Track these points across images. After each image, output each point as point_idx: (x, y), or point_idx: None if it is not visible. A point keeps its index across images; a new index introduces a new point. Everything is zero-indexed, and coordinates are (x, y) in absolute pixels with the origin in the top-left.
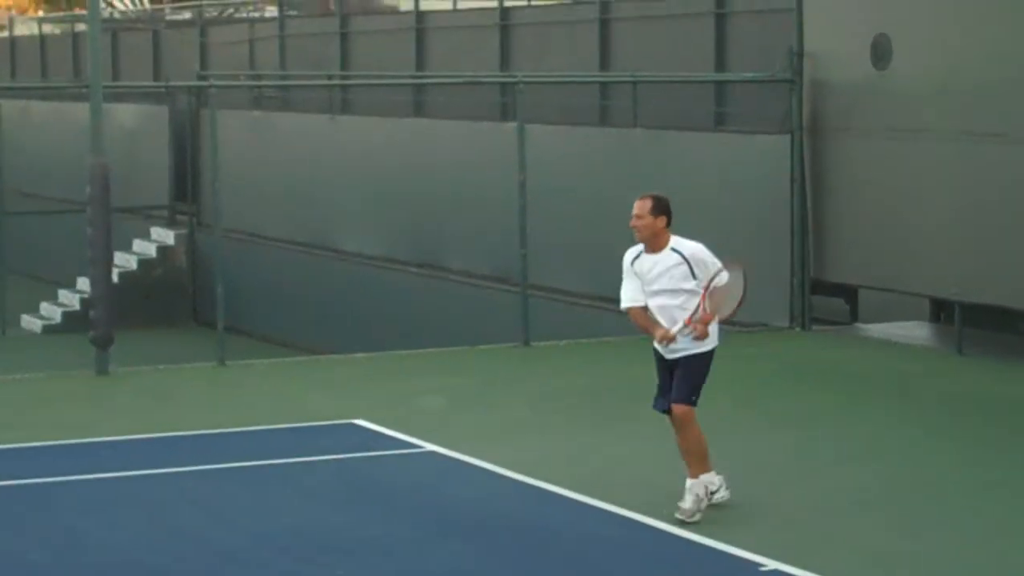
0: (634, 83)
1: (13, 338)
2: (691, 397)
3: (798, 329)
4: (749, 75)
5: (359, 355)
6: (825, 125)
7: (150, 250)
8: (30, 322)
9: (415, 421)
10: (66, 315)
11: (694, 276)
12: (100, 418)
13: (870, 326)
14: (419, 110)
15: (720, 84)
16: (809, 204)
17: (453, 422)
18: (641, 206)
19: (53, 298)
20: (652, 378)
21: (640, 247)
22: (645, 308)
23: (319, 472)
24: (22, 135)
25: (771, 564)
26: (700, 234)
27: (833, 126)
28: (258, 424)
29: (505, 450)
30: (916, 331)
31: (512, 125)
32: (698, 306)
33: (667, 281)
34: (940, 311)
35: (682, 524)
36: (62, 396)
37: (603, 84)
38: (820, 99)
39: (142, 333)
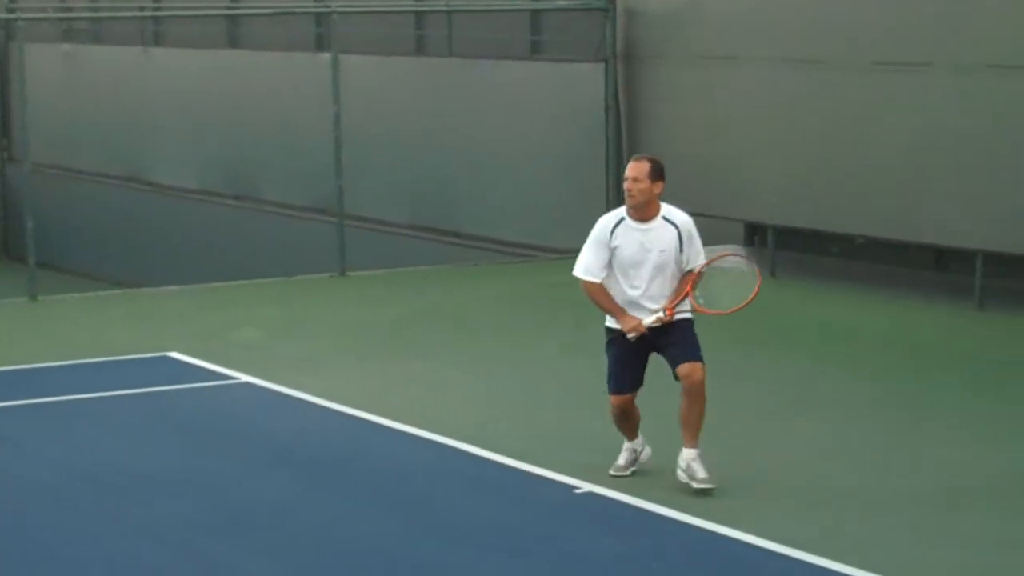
0: (449, 12)
1: None
2: (700, 354)
3: None
4: (563, 3)
5: (174, 288)
6: (639, 53)
7: None
8: None
9: (230, 353)
10: None
11: (681, 251)
12: None
13: None
14: (234, 42)
15: (535, 12)
16: (624, 132)
17: (269, 353)
18: (638, 168)
19: None
20: (468, 306)
21: (619, 213)
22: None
23: (133, 405)
24: None
25: (585, 487)
26: (517, 163)
27: (647, 54)
28: (71, 359)
29: (322, 380)
30: None
31: (326, 56)
32: (682, 292)
33: (661, 256)
34: (754, 235)
35: (703, 493)
36: None
37: (418, 13)
38: (634, 27)
39: None
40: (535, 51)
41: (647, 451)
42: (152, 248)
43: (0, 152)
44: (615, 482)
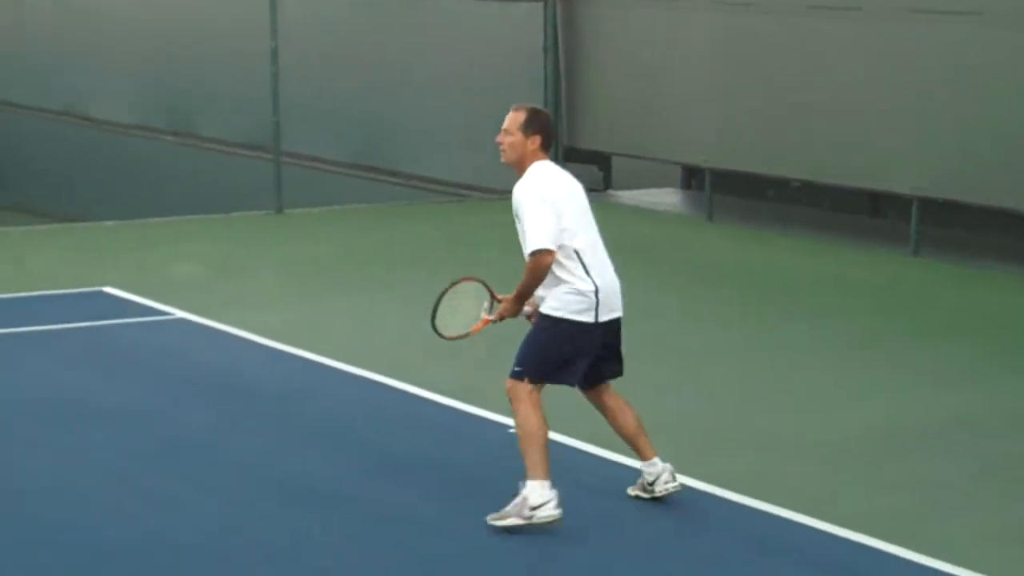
0: None
1: None
2: (515, 366)
3: None
4: None
5: (109, 223)
6: None
7: None
8: None
9: (165, 288)
10: None
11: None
12: None
13: (623, 193)
14: None
15: None
16: (563, 72)
17: (204, 289)
18: (511, 119)
19: None
20: (404, 245)
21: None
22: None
23: (67, 339)
24: None
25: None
26: (453, 102)
27: None
28: (7, 291)
29: (257, 316)
30: (668, 198)
31: None
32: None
33: (517, 226)
34: (691, 178)
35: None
36: None
37: None
38: None
39: None
40: None
41: (663, 480)
42: (89, 183)
43: None
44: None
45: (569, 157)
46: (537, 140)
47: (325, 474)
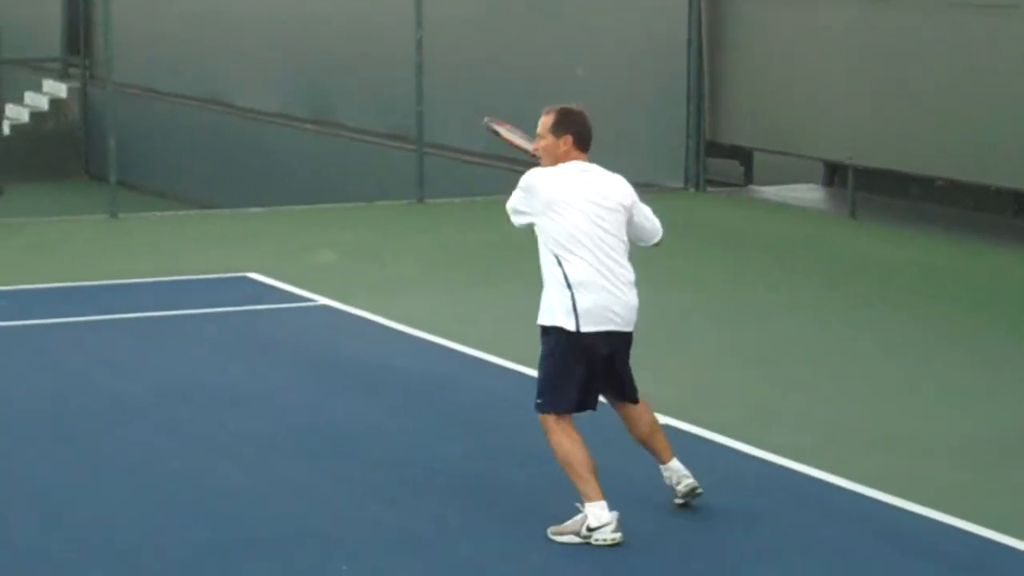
0: None
1: None
2: (536, 399)
3: (692, 190)
4: None
5: (252, 210)
6: None
7: (42, 103)
8: None
9: (308, 275)
10: None
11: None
12: None
13: (764, 188)
14: None
15: None
16: (706, 66)
17: (346, 277)
18: (543, 123)
19: None
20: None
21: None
22: None
23: (213, 324)
24: None
25: (661, 419)
26: (597, 95)
27: None
28: (152, 276)
29: (399, 305)
30: (810, 194)
31: None
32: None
33: None
34: (834, 175)
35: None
36: None
37: None
38: None
39: (33, 185)
40: None
41: (684, 484)
42: (231, 170)
43: (82, 71)
44: (685, 414)
45: (710, 152)
46: (569, 140)
47: (466, 463)
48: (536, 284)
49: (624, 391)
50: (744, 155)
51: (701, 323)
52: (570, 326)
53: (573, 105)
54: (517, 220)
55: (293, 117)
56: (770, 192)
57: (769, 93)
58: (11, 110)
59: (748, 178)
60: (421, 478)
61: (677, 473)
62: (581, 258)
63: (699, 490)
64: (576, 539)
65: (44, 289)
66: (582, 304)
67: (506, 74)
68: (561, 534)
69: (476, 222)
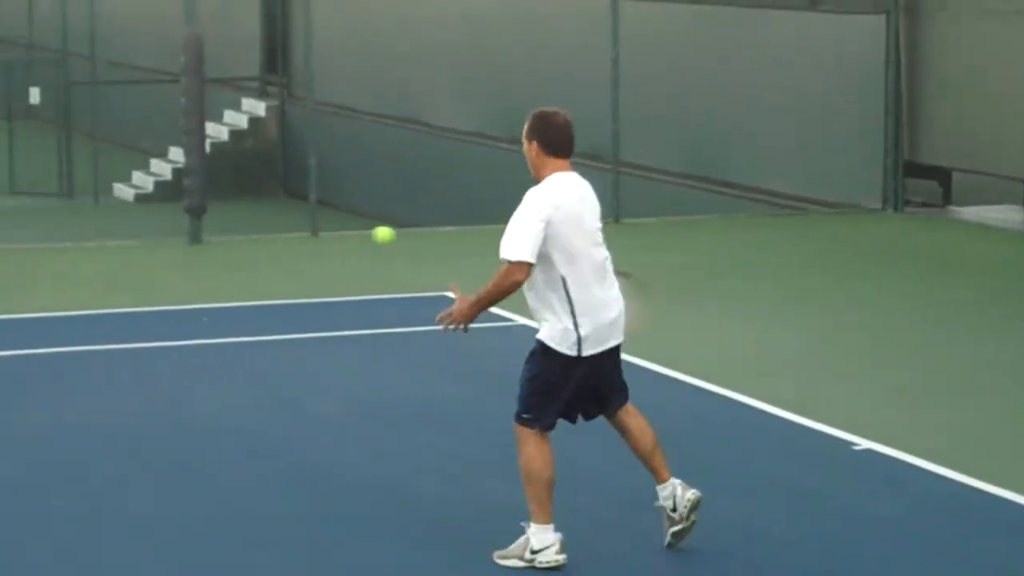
0: None
1: (106, 206)
2: (517, 409)
3: (890, 211)
4: None
5: (450, 228)
6: (922, 5)
7: (241, 121)
8: (122, 191)
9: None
10: (158, 184)
11: None
12: (196, 286)
13: (963, 209)
14: None
15: None
16: (904, 85)
17: None
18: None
19: (145, 167)
20: (741, 256)
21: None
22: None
23: (416, 342)
24: (114, 4)
25: (864, 443)
26: (792, 115)
27: (930, 6)
28: (353, 294)
29: None
30: (1010, 215)
31: (605, 1)
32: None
33: None
34: None
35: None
36: (158, 264)
37: None
38: None
39: (232, 203)
40: (814, 1)
41: (683, 503)
42: (426, 188)
43: (280, 90)
44: (896, 440)
45: (909, 172)
46: (535, 145)
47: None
48: (734, 305)
49: (611, 400)
50: (943, 175)
51: (894, 345)
52: (572, 352)
53: (551, 108)
54: (531, 250)
55: (488, 136)
56: (969, 213)
57: (968, 111)
58: (211, 128)
59: (947, 198)
60: (620, 498)
61: (679, 487)
62: (585, 282)
63: (697, 503)
64: (520, 563)
65: (247, 307)
66: (584, 330)
67: (701, 94)
68: (506, 558)
69: (671, 242)
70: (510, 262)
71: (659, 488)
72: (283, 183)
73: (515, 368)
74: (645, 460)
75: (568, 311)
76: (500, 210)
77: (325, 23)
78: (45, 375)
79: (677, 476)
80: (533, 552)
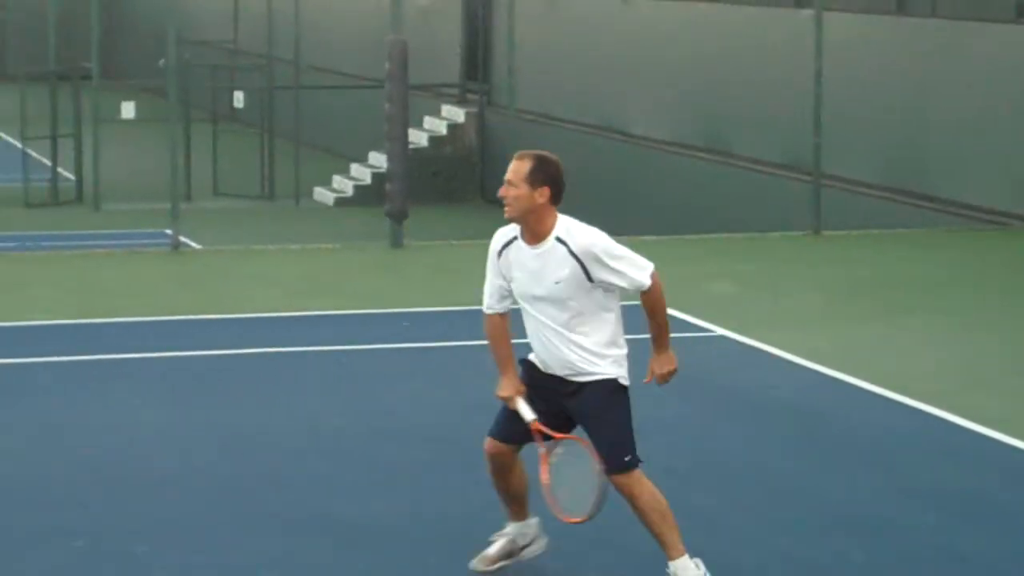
0: None
1: (306, 209)
2: (624, 457)
3: None
4: None
5: (648, 238)
6: None
7: (440, 127)
8: (322, 194)
9: (704, 305)
10: (358, 188)
11: (590, 280)
12: (397, 289)
13: None
14: None
15: None
16: None
17: (743, 307)
18: (515, 168)
19: (345, 171)
20: (944, 271)
21: (513, 230)
22: (503, 317)
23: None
24: (318, 10)
25: None
26: (995, 128)
27: None
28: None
29: (796, 337)
30: None
31: (808, 12)
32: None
33: (557, 290)
34: None
35: None
36: (360, 267)
37: None
38: None
39: (431, 209)
40: (1021, 14)
41: (537, 545)
42: (624, 197)
43: (480, 97)
44: None
45: None
46: (546, 193)
47: (860, 497)
48: (936, 319)
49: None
50: None
51: None
52: (627, 382)
53: (547, 153)
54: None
55: (686, 145)
56: None
57: None
58: (411, 134)
59: None
60: (822, 512)
61: (540, 532)
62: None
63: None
64: None
65: (448, 312)
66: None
67: (904, 105)
68: None
69: (874, 255)
70: (652, 274)
71: (521, 525)
72: (481, 189)
73: (712, 378)
74: (520, 498)
75: (623, 341)
76: (699, 220)
77: (525, 31)
78: (252, 374)
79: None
80: None
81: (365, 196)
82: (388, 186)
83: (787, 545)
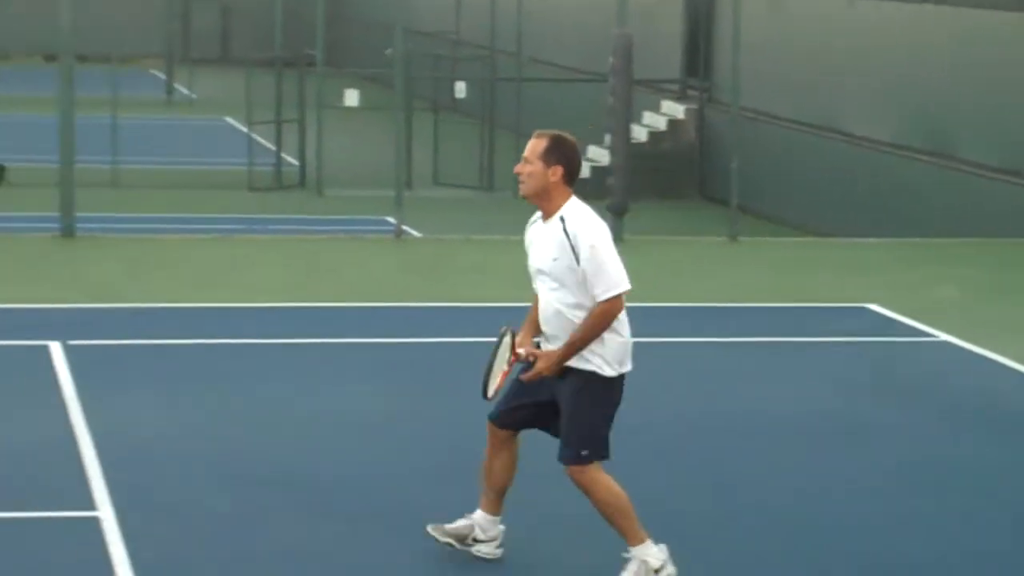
0: None
1: (523, 201)
2: (582, 451)
3: None
4: None
5: (870, 240)
6: None
7: (660, 123)
8: None
9: (929, 310)
10: (578, 182)
11: (578, 263)
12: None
13: None
14: None
15: None
16: None
17: (968, 313)
18: (533, 146)
19: None
20: None
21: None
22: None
23: (831, 353)
24: (538, 3)
25: None
26: None
27: None
28: (768, 301)
29: (1021, 344)
30: None
31: None
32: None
33: (555, 266)
34: None
35: None
36: None
37: None
38: None
39: (649, 204)
40: None
41: (489, 548)
42: (844, 199)
43: (701, 93)
44: None
45: None
46: (559, 171)
47: None
48: None
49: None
50: None
51: None
52: (628, 367)
53: (565, 133)
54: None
55: (909, 148)
56: None
57: None
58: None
59: None
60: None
61: (496, 534)
62: None
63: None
64: None
65: (665, 307)
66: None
67: None
68: None
69: None
70: (612, 298)
71: (491, 519)
72: (699, 186)
73: (930, 383)
74: (501, 492)
75: (627, 330)
76: (920, 224)
77: (747, 28)
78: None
79: None
80: (656, 571)
81: (584, 189)
82: (609, 180)
83: (1003, 555)
